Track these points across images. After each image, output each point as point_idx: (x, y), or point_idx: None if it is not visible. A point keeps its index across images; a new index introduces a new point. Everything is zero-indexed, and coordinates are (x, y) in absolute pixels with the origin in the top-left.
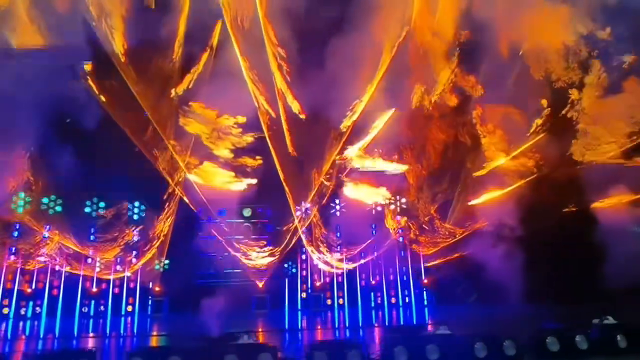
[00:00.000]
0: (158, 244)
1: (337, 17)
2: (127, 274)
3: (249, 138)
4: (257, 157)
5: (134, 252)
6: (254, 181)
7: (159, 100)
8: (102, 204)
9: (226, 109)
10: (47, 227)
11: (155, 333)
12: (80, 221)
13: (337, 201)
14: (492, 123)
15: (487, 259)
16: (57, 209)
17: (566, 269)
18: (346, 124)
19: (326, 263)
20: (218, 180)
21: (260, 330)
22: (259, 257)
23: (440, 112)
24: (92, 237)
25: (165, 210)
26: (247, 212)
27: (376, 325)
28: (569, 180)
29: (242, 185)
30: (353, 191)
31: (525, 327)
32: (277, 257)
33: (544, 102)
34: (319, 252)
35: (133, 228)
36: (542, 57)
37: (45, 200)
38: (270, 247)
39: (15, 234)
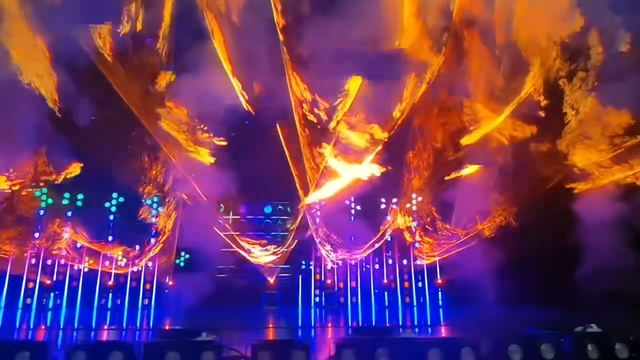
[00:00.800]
0: (164, 239)
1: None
2: (135, 269)
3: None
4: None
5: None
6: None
7: (144, 96)
8: (121, 199)
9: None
10: (66, 222)
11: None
12: (98, 217)
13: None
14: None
15: (491, 261)
16: (77, 204)
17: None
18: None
19: (332, 262)
20: None
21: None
22: (263, 255)
23: (436, 106)
24: (110, 232)
25: (167, 205)
26: (267, 209)
27: (387, 325)
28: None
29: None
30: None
31: (506, 331)
32: (280, 255)
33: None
34: (325, 250)
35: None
36: (537, 47)
37: (67, 195)
38: (275, 245)
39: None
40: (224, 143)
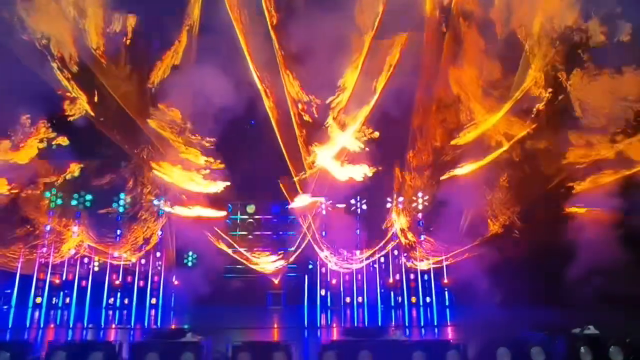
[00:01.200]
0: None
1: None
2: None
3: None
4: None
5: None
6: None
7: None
8: (129, 200)
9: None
10: (76, 222)
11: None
12: (104, 217)
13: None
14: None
15: (494, 261)
16: (86, 204)
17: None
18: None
19: (336, 264)
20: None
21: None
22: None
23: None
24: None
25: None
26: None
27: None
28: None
29: (216, 187)
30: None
31: (504, 332)
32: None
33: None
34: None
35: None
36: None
37: (75, 195)
38: (281, 252)
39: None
40: (210, 145)
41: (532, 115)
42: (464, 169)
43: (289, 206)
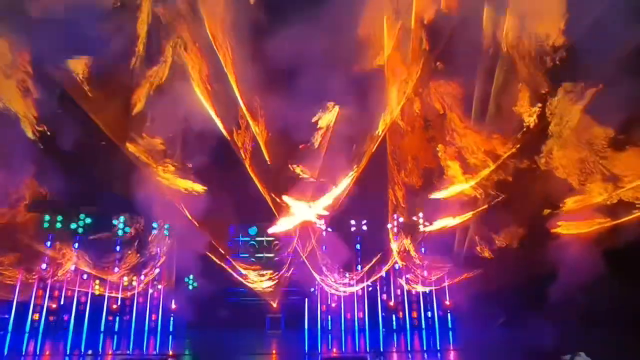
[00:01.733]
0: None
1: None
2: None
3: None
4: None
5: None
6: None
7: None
8: (128, 223)
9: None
10: (75, 245)
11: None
12: (103, 241)
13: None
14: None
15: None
16: (85, 228)
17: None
18: None
19: (330, 286)
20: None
21: None
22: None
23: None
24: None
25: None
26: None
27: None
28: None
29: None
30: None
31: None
32: (277, 281)
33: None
34: (323, 274)
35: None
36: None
37: (74, 219)
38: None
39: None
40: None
41: (521, 132)
42: (450, 191)
43: (269, 230)
